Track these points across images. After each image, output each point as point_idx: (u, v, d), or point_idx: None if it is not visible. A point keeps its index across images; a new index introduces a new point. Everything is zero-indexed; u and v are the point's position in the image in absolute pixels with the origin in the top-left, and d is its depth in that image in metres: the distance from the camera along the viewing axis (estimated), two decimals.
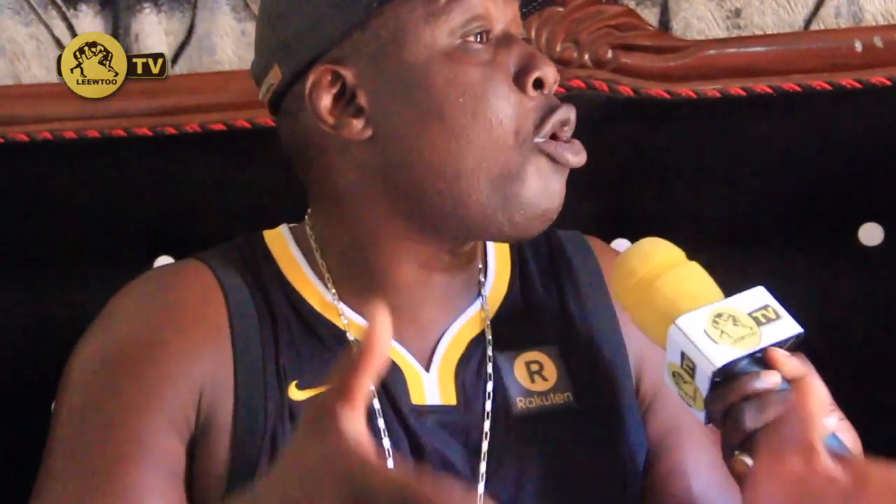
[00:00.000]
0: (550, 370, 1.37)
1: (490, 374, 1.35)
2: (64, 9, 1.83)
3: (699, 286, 1.23)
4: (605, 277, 1.40)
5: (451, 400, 1.34)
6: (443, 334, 1.36)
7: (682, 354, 1.19)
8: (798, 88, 1.72)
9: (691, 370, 1.18)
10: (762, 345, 1.19)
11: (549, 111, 1.29)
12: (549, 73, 1.29)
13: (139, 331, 1.32)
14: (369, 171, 1.31)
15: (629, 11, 1.76)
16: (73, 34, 1.84)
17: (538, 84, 1.29)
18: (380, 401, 1.32)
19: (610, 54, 1.74)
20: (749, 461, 1.16)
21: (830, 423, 1.19)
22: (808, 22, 1.77)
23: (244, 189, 1.74)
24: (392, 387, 1.33)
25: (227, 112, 1.75)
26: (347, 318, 1.34)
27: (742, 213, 1.73)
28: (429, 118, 1.28)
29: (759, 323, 1.20)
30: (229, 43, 1.83)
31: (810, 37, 1.75)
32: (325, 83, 1.30)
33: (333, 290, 1.35)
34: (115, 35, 1.84)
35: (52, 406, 1.34)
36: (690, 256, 1.27)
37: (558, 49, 1.74)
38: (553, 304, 1.40)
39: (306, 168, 1.35)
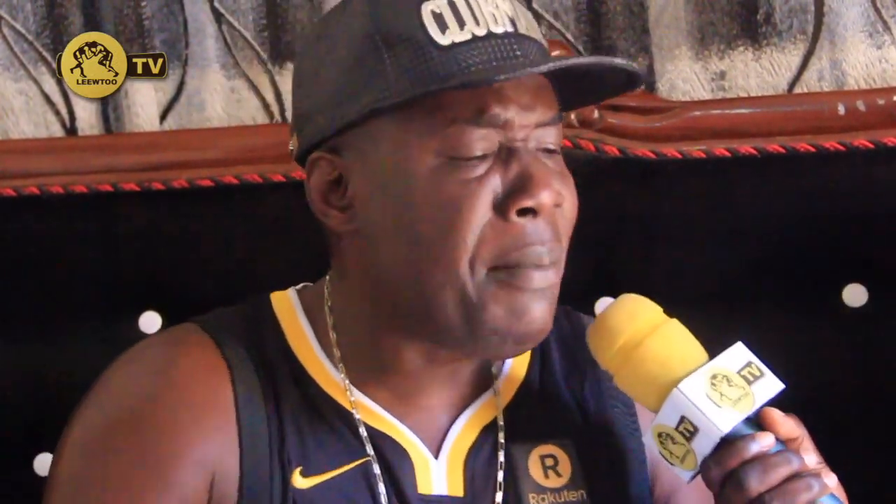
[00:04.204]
0: (565, 465, 1.32)
1: (502, 465, 1.31)
2: (54, 65, 1.83)
3: (685, 345, 1.22)
4: None
5: (459, 491, 1.29)
6: (455, 419, 1.31)
7: (682, 418, 1.18)
8: (782, 150, 1.71)
9: (690, 434, 1.18)
10: (756, 405, 1.19)
11: (521, 245, 1.22)
12: (546, 198, 1.21)
13: (147, 406, 1.27)
14: (361, 260, 1.27)
15: None
16: (62, 90, 1.84)
17: (526, 211, 1.21)
18: (385, 487, 1.28)
19: (596, 114, 1.73)
20: None
21: (832, 482, 1.21)
22: (792, 85, 1.77)
23: (231, 244, 1.73)
24: (399, 473, 1.28)
25: (215, 168, 1.74)
26: (355, 398, 1.29)
27: (726, 272, 1.73)
28: (403, 229, 1.23)
29: (748, 381, 1.19)
30: (218, 100, 1.82)
31: (794, 100, 1.75)
32: (322, 169, 1.26)
33: (343, 369, 1.29)
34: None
35: (49, 473, 1.29)
36: (674, 314, 1.25)
37: None
38: (572, 394, 1.35)
39: (324, 234, 1.31)
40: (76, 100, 1.83)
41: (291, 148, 1.30)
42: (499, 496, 1.30)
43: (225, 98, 1.81)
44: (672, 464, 1.20)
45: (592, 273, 1.72)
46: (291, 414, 1.27)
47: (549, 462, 1.32)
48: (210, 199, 1.74)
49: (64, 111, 1.84)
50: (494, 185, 1.21)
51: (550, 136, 1.25)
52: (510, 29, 1.23)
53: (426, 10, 1.21)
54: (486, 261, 1.21)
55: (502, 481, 1.30)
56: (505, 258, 1.22)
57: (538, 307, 1.23)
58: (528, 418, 1.33)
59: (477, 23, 1.21)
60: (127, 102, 1.82)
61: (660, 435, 1.19)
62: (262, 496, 1.25)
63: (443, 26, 1.21)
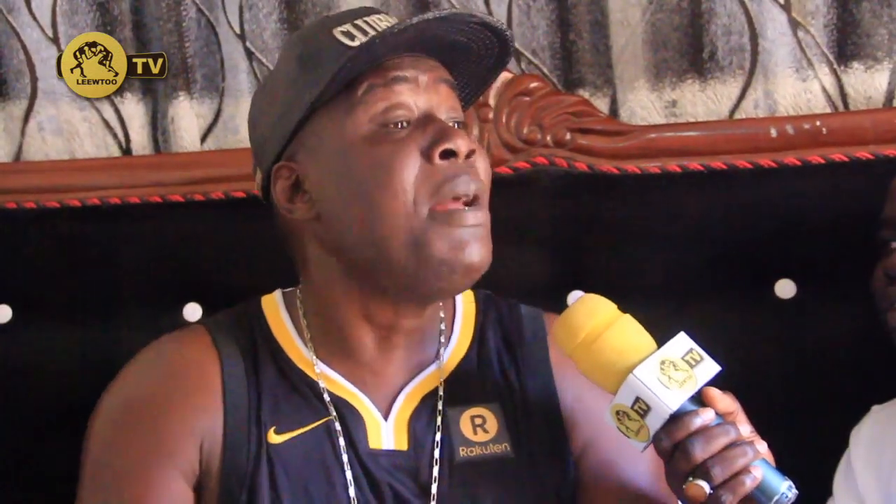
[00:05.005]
0: (492, 424, 1.37)
1: (439, 426, 1.36)
2: (112, 96, 1.85)
3: (637, 337, 1.26)
4: (549, 351, 1.40)
5: (403, 445, 1.35)
6: (402, 388, 1.37)
7: (637, 398, 1.21)
8: (724, 166, 1.74)
9: (644, 411, 1.21)
10: (699, 385, 1.23)
11: (448, 179, 1.28)
12: (461, 144, 1.29)
13: (150, 395, 1.37)
14: (323, 244, 1.34)
15: (584, 101, 1.78)
16: (120, 118, 1.86)
17: (447, 154, 1.29)
18: (344, 441, 1.34)
19: (568, 136, 1.76)
20: (705, 485, 1.20)
21: (763, 449, 1.25)
22: (732, 112, 1.78)
23: (260, 247, 1.70)
24: (354, 431, 1.35)
25: (248, 182, 1.61)
26: (320, 369, 1.37)
27: (677, 270, 1.74)
28: (351, 194, 1.30)
29: (691, 365, 1.23)
30: None
31: (734, 124, 1.77)
32: (282, 176, 1.35)
33: (311, 347, 1.37)
34: (153, 117, 1.86)
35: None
36: (633, 308, 1.29)
37: (525, 131, 1.76)
38: (502, 368, 1.40)
39: (289, 246, 1.39)
40: (131, 124, 1.85)
41: (256, 181, 1.39)
42: (436, 450, 1.35)
43: None
44: (628, 437, 1.24)
45: (565, 270, 1.77)
46: (269, 385, 1.36)
47: (479, 421, 1.37)
48: (243, 209, 1.77)
49: (121, 135, 1.86)
50: (419, 142, 1.29)
51: (454, 111, 1.33)
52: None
53: (337, 31, 1.31)
54: (424, 201, 1.28)
55: (439, 438, 1.35)
56: (438, 193, 1.28)
57: (475, 241, 1.29)
58: (463, 387, 1.39)
59: (377, 31, 1.30)
60: (173, 127, 1.84)
61: (617, 413, 1.23)
62: (240, 450, 1.33)
63: (351, 37, 1.30)
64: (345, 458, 1.33)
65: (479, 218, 1.30)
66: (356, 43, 1.29)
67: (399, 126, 1.30)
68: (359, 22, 1.31)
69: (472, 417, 1.37)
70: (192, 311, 1.79)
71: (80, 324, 1.78)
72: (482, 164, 1.33)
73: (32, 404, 1.78)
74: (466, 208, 1.30)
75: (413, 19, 1.28)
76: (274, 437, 1.34)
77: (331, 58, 1.29)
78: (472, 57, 1.36)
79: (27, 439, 1.76)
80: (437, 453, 1.35)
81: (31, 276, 1.80)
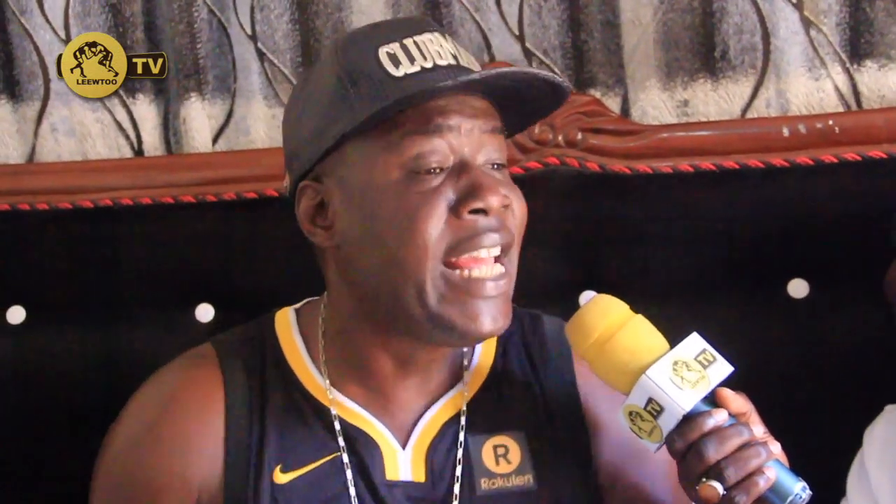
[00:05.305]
0: (515, 454, 1.34)
1: (459, 456, 1.33)
2: (124, 97, 1.86)
3: (650, 337, 1.25)
4: (574, 365, 1.38)
5: (421, 477, 1.32)
6: (422, 414, 1.34)
7: (650, 399, 1.21)
8: (736, 166, 1.74)
9: (657, 412, 1.21)
10: (712, 386, 1.23)
11: (474, 235, 1.25)
12: (493, 201, 1.25)
13: (148, 441, 1.33)
14: (341, 271, 1.31)
15: (596, 101, 1.78)
16: (132, 119, 1.87)
17: (477, 212, 1.25)
18: (354, 475, 1.31)
19: (580, 136, 1.76)
20: (718, 486, 1.19)
21: (776, 449, 1.24)
22: (745, 111, 1.78)
23: (272, 248, 1.76)
24: (369, 462, 1.32)
25: (259, 183, 1.77)
26: (333, 396, 1.33)
27: (689, 270, 1.74)
28: (372, 239, 1.26)
29: (704, 366, 1.23)
30: (262, 125, 1.85)
31: (746, 123, 1.77)
32: (307, 195, 1.31)
33: (325, 372, 1.34)
34: (165, 118, 1.87)
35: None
36: (646, 308, 1.29)
37: (536, 132, 1.76)
38: (526, 389, 1.37)
39: (315, 255, 1.36)
40: (143, 125, 1.86)
41: (285, 185, 1.36)
42: (456, 482, 1.32)
43: (267, 124, 1.84)
44: (641, 437, 1.23)
45: (577, 270, 1.76)
46: (276, 418, 1.32)
47: (501, 451, 1.33)
48: (254, 209, 1.78)
49: (133, 136, 1.87)
50: (448, 194, 1.25)
51: (496, 152, 1.29)
52: (452, 62, 1.28)
53: (382, 52, 1.27)
54: (440, 253, 1.24)
55: (459, 469, 1.32)
56: (459, 247, 1.24)
57: (489, 312, 1.26)
58: (486, 412, 1.35)
59: (424, 58, 1.26)
60: (185, 128, 1.84)
61: (630, 414, 1.22)
62: (241, 494, 1.30)
63: (396, 63, 1.26)
64: (352, 491, 1.30)
65: (499, 287, 1.27)
66: (400, 73, 1.25)
67: (432, 172, 1.25)
68: (407, 42, 1.27)
69: (495, 447, 1.34)
70: (205, 312, 1.79)
71: (93, 324, 1.79)
72: (517, 209, 1.29)
73: (46, 404, 1.78)
74: (488, 279, 1.25)
75: (462, 78, 1.24)
76: (280, 477, 1.31)
77: (370, 86, 1.25)
78: (522, 97, 1.30)
79: (39, 439, 1.76)
80: (457, 485, 1.32)
81: (44, 277, 1.80)
